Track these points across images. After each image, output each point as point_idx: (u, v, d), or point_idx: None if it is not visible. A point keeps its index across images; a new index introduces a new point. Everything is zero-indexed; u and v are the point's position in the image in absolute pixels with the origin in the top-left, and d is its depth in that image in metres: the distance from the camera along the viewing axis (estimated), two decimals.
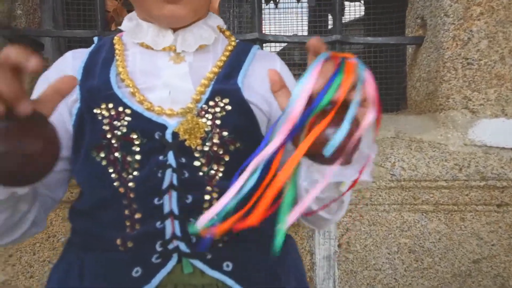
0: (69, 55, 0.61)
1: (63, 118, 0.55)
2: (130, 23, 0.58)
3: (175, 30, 0.56)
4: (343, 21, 1.12)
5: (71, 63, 0.59)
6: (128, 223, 0.49)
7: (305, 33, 1.60)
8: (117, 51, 0.58)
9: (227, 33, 0.65)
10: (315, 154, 0.34)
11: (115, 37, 0.61)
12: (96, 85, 0.54)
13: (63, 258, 0.56)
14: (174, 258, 0.48)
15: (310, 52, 0.37)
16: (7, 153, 0.33)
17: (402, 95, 1.20)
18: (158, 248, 0.48)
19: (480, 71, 0.83)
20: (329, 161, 0.34)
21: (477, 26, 0.83)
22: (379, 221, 0.91)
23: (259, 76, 0.58)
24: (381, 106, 0.36)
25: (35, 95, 0.59)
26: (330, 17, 1.35)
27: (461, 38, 0.84)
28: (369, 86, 0.34)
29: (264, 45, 1.06)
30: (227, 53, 0.60)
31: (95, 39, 0.64)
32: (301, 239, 0.92)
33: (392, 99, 1.16)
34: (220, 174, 0.52)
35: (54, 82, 0.38)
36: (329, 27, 1.37)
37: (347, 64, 0.35)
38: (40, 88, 0.59)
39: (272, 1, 1.45)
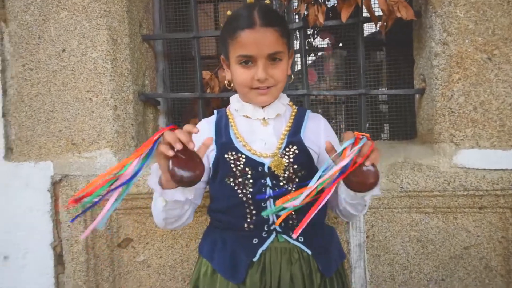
0: (204, 121, 1.09)
1: (206, 160, 1.02)
2: (238, 103, 1.04)
3: (263, 107, 1.02)
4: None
5: (207, 126, 1.06)
6: (248, 216, 0.95)
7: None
8: (230, 120, 1.05)
9: (291, 103, 1.10)
10: (355, 188, 0.78)
11: (227, 110, 1.08)
12: (224, 141, 1.00)
13: (208, 235, 1.03)
14: (273, 234, 0.94)
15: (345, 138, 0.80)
16: (188, 169, 0.78)
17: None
18: (265, 228, 0.94)
19: (460, 117, 1.23)
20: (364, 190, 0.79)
21: (457, 87, 1.22)
22: (395, 219, 1.31)
23: (312, 130, 1.02)
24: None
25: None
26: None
27: (447, 94, 1.24)
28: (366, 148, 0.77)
29: None
30: (292, 118, 1.04)
31: (215, 111, 1.12)
32: (340, 232, 1.33)
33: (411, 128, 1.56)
34: (294, 190, 0.96)
35: (204, 141, 0.83)
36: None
37: (357, 139, 0.78)
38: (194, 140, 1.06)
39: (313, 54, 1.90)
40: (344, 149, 0.77)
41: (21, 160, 1.42)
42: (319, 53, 1.85)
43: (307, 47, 1.66)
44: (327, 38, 1.92)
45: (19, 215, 1.42)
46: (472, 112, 1.22)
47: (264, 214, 0.78)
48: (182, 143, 0.75)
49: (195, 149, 0.80)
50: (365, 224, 1.33)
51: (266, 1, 1.12)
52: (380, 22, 1.35)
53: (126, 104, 1.42)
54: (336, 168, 0.76)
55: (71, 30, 1.37)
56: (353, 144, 0.77)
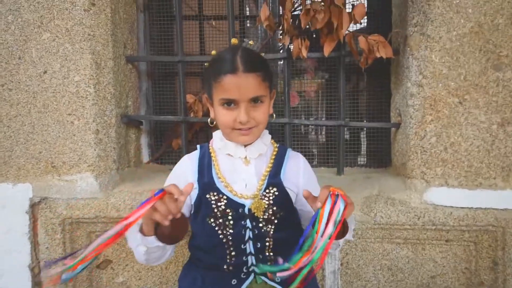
0: (186, 158, 1.10)
1: (188, 198, 1.04)
2: (221, 142, 1.07)
3: (245, 146, 1.05)
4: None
5: (189, 163, 1.08)
6: (228, 257, 0.98)
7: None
8: (213, 158, 1.07)
9: (272, 141, 1.13)
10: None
11: (210, 147, 1.10)
12: (206, 182, 1.03)
13: (188, 272, 1.06)
14: (252, 275, 0.98)
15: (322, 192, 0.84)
16: (173, 235, 0.83)
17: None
18: (244, 270, 0.97)
19: (431, 156, 1.30)
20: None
21: (430, 128, 1.29)
22: (368, 249, 1.38)
23: (291, 169, 1.06)
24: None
25: (169, 181, 1.08)
26: None
27: (420, 134, 1.31)
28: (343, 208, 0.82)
29: None
30: (273, 157, 1.08)
31: (198, 146, 1.13)
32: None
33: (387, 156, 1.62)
34: (272, 231, 1.00)
35: (185, 187, 0.85)
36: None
37: (333, 197, 0.82)
38: (172, 180, 1.08)
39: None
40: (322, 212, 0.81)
41: None
42: (302, 76, 1.89)
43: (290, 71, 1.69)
44: (310, 63, 1.95)
45: None
46: (443, 152, 1.29)
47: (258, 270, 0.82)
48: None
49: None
50: (340, 253, 1.39)
51: (250, 42, 1.14)
52: (361, 59, 1.39)
53: (109, 128, 1.42)
54: (320, 243, 0.80)
55: (53, 52, 1.36)
56: (331, 201, 0.81)
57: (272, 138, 1.12)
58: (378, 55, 1.32)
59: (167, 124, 1.72)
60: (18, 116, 1.39)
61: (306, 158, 1.12)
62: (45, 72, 1.37)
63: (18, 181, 1.40)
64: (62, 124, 1.38)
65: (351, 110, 1.68)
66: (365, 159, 1.69)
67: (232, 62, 0.94)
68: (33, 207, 1.41)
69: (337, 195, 0.82)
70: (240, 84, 0.93)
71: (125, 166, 1.54)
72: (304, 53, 1.39)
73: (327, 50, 1.39)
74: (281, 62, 1.63)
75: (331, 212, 0.80)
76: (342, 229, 0.86)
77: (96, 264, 1.46)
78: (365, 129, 1.67)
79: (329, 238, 0.78)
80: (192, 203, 1.03)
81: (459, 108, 1.27)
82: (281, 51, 1.55)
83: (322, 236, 0.78)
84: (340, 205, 0.80)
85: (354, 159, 1.70)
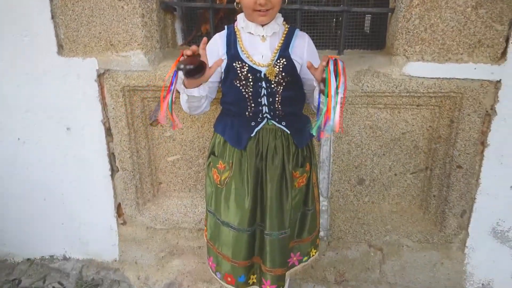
0: (217, 36, 1.45)
1: (220, 67, 1.42)
2: (243, 22, 1.40)
3: (263, 25, 1.38)
4: None
5: (219, 40, 1.43)
6: (249, 107, 1.40)
7: None
8: (237, 35, 1.42)
9: (284, 23, 1.45)
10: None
11: (235, 27, 1.44)
12: (233, 53, 1.39)
13: (221, 119, 1.51)
14: (266, 119, 1.41)
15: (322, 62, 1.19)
16: (196, 66, 1.20)
17: None
18: (260, 116, 1.40)
19: (413, 36, 1.59)
20: None
21: (415, 11, 1.55)
22: (355, 112, 1.78)
23: (298, 46, 1.40)
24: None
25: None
26: None
27: (406, 17, 1.58)
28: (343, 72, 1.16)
29: None
30: (284, 35, 1.42)
31: (226, 27, 1.47)
32: (315, 120, 1.82)
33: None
34: (281, 90, 1.40)
35: (216, 61, 1.24)
36: None
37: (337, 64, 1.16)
38: (208, 53, 1.44)
39: None
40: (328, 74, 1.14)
41: (71, 56, 1.80)
42: None
43: None
44: None
45: (75, 98, 1.87)
46: (423, 33, 1.58)
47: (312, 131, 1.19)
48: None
49: (210, 64, 1.22)
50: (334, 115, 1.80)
51: None
52: None
53: (151, 12, 1.74)
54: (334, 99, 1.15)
55: None
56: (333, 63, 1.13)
57: (285, 21, 1.43)
58: None
59: (197, 11, 2.00)
60: (79, 2, 1.71)
61: (313, 40, 1.44)
62: None
63: (86, 56, 1.80)
64: (114, 8, 1.70)
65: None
66: (365, 42, 1.98)
67: None
68: (99, 77, 1.83)
69: (336, 59, 1.15)
70: None
71: (165, 47, 1.90)
72: None
73: None
74: None
75: (335, 70, 1.11)
76: None
77: (150, 122, 1.94)
78: (366, 16, 1.91)
79: (342, 90, 1.10)
80: (222, 70, 1.41)
81: None
82: None
83: (337, 89, 1.10)
84: (340, 64, 1.12)
85: (355, 43, 1.99)
